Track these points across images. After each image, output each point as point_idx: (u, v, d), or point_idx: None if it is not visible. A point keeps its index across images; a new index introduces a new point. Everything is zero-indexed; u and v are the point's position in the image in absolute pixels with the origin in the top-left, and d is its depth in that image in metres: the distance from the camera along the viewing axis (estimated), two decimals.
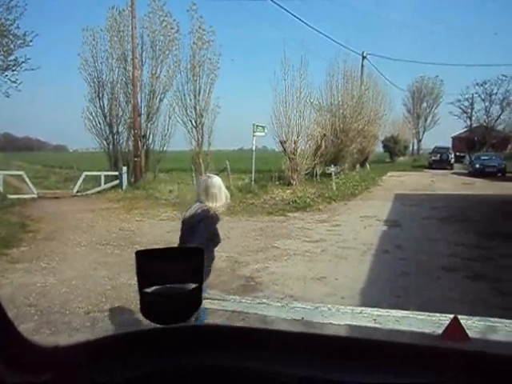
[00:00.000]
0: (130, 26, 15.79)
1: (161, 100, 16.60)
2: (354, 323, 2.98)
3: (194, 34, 15.80)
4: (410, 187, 18.44)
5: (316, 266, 6.46)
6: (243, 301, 4.22)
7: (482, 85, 45.80)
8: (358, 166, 24.40)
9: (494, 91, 45.54)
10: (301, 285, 5.52)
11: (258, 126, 14.35)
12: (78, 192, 15.04)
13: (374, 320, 2.53)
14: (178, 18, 16.72)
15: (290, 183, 14.87)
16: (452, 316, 2.17)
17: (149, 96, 16.42)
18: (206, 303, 3.12)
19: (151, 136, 16.78)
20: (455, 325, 2.17)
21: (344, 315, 3.05)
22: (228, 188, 13.65)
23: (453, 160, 32.41)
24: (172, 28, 16.36)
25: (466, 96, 48.02)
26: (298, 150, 15.10)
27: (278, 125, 14.96)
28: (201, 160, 14.89)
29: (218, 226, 3.39)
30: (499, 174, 24.19)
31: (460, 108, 49.26)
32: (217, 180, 3.45)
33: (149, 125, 16.56)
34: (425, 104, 57.93)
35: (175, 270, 0.95)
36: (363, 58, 24.45)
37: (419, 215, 11.41)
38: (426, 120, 58.82)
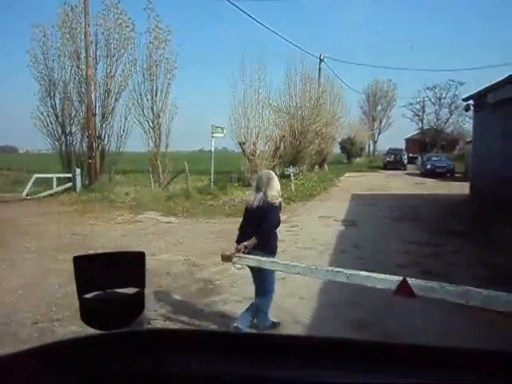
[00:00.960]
0: (83, 22, 15.25)
1: (116, 100, 16.12)
2: (330, 278, 3.58)
3: (150, 33, 15.48)
4: (366, 187, 18.97)
5: None
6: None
7: (432, 89, 48.02)
8: (316, 166, 24.81)
9: (443, 95, 47.85)
10: None
11: (216, 127, 14.25)
12: (27, 195, 14.29)
13: (347, 277, 3.16)
14: (133, 17, 16.32)
15: (250, 184, 14.86)
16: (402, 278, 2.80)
17: (104, 96, 15.89)
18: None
19: (106, 137, 16.24)
20: (404, 284, 2.77)
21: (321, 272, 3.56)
22: (186, 190, 13.36)
23: (406, 161, 33.72)
24: (127, 26, 15.94)
25: (418, 99, 50.18)
26: (257, 152, 15.17)
27: (237, 126, 14.96)
28: (158, 161, 14.59)
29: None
30: (448, 174, 25.40)
31: (412, 111, 51.40)
32: (274, 174, 4.13)
33: (104, 125, 16.03)
34: (380, 107, 59.97)
35: (116, 275, 0.93)
36: (320, 60, 24.92)
37: (375, 214, 11.75)
38: (380, 122, 60.89)
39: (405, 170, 32.08)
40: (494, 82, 10.97)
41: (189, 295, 5.25)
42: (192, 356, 0.76)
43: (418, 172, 28.75)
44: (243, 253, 3.69)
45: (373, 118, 59.53)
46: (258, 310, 4.02)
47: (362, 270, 6.16)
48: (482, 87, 12.06)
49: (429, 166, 26.29)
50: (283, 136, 16.62)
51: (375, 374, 0.73)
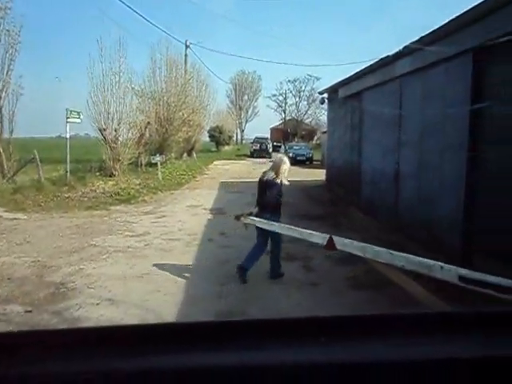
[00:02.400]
0: None
1: None
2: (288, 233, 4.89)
3: None
4: (235, 175, 19.39)
5: (139, 262, 6.09)
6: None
7: (292, 82, 51.44)
8: (185, 155, 24.46)
9: (302, 88, 51.67)
10: (121, 285, 5.10)
11: (72, 111, 12.85)
12: None
13: (300, 234, 4.45)
14: None
15: (113, 174, 13.90)
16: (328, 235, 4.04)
17: None
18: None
19: None
20: (331, 240, 4.00)
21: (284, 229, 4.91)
22: (38, 181, 11.76)
23: (271, 149, 35.52)
24: None
25: (281, 91, 53.26)
26: (120, 139, 14.20)
27: (96, 111, 13.74)
28: (1, 149, 12.60)
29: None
30: (307, 162, 27.56)
31: (276, 102, 54.42)
32: (287, 160, 5.57)
33: None
34: (246, 97, 61.97)
35: None
36: (186, 46, 24.45)
37: (242, 201, 12.00)
38: (247, 112, 63.07)
39: (270, 157, 33.75)
40: (342, 79, 12.06)
41: (36, 303, 4.57)
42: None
43: None
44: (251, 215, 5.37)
45: (240, 107, 61.27)
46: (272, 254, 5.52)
47: (227, 258, 6.24)
48: (334, 82, 13.19)
49: (291, 154, 28.05)
50: (148, 123, 15.87)
51: (355, 347, 0.74)
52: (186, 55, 24.15)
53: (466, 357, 0.72)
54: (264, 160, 31.27)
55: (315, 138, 51.64)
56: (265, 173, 5.50)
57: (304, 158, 27.82)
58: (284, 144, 42.81)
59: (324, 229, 8.72)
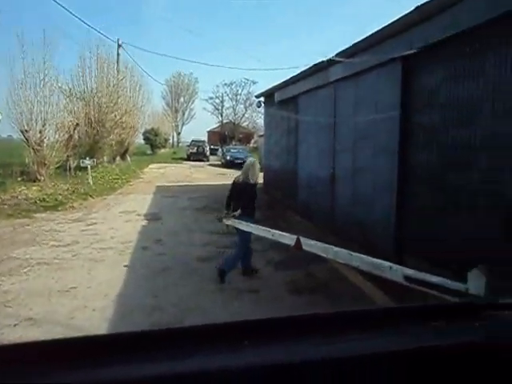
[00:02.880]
0: None
1: None
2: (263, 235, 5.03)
3: None
4: (171, 179, 18.90)
5: (66, 274, 5.62)
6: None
7: (229, 85, 51.46)
8: (118, 158, 23.42)
9: (239, 92, 51.89)
10: (43, 302, 4.64)
11: None
12: None
13: (272, 235, 4.70)
14: None
15: (37, 179, 12.88)
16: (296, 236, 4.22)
17: None
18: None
19: None
20: (298, 241, 4.13)
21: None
22: None
23: (208, 152, 35.16)
24: None
25: (217, 94, 53.07)
26: (46, 141, 13.19)
27: (17, 111, 12.65)
28: None
29: None
30: None
31: (213, 105, 54.10)
32: (257, 163, 5.87)
33: None
34: (182, 99, 60.97)
35: None
36: (118, 45, 23.46)
37: (178, 206, 11.70)
38: (184, 114, 62.06)
39: (207, 161, 33.42)
40: (279, 83, 12.19)
41: None
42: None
43: (220, 163, 30.35)
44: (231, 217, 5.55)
45: (176, 109, 60.16)
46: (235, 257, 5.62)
47: (162, 267, 5.96)
48: (271, 86, 13.30)
49: (229, 158, 28.05)
50: (77, 124, 14.93)
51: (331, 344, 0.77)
52: (118, 54, 23.17)
53: (397, 349, 0.76)
54: (202, 163, 30.90)
55: (252, 141, 52.03)
56: (238, 177, 5.77)
57: (242, 161, 27.76)
58: (221, 147, 42.68)
59: None
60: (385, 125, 6.37)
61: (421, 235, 5.53)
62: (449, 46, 5.00)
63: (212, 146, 41.18)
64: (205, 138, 49.50)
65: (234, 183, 5.74)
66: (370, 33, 6.36)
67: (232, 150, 30.00)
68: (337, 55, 7.74)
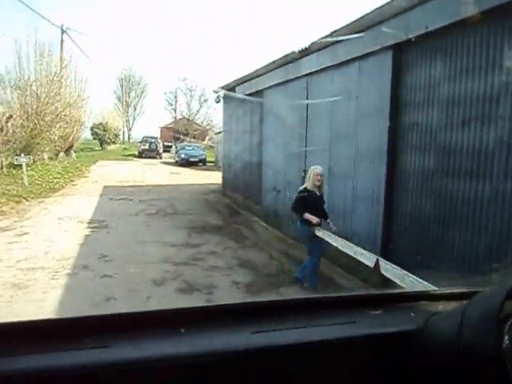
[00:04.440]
0: None
1: None
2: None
3: None
4: (120, 178, 17.34)
5: None
6: None
7: (183, 80, 49.68)
8: (61, 154, 21.43)
9: (194, 87, 50.24)
10: None
11: None
12: None
13: (352, 249, 4.78)
14: None
15: None
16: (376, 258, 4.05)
17: None
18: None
19: None
20: (377, 263, 3.99)
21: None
22: None
23: (162, 149, 33.45)
24: None
25: (171, 89, 51.12)
26: None
27: None
28: None
29: None
30: (200, 164, 26.32)
31: (166, 100, 52.05)
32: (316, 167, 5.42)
33: None
34: (134, 93, 58.29)
35: None
36: (63, 31, 21.45)
37: (129, 211, 10.41)
38: (135, 109, 59.38)
39: (160, 158, 31.71)
40: (241, 76, 11.21)
41: None
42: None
43: (173, 161, 28.84)
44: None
45: (127, 103, 57.43)
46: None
47: (107, 293, 4.82)
48: (231, 80, 12.29)
49: (183, 156, 26.60)
50: (10, 116, 13.11)
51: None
52: (62, 41, 21.19)
53: (333, 338, 0.80)
54: (155, 161, 29.21)
55: (207, 138, 50.57)
56: (306, 187, 5.31)
57: (197, 160, 26.51)
58: (175, 144, 41.03)
59: (228, 244, 7.73)
60: (370, 124, 5.57)
61: (414, 250, 4.78)
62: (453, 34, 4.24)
63: (165, 143, 39.40)
64: (158, 134, 47.41)
65: (308, 191, 5.22)
66: (353, 19, 5.54)
67: (187, 148, 28.53)
68: (312, 45, 6.88)
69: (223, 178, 14.32)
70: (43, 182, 13.59)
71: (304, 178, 7.61)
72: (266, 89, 9.50)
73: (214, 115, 48.90)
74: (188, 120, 50.77)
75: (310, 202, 5.15)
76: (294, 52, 7.55)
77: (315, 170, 5.20)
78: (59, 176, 15.34)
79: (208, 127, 51.33)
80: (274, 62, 8.56)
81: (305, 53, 7.20)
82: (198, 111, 51.21)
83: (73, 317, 0.73)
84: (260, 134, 9.98)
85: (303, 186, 5.33)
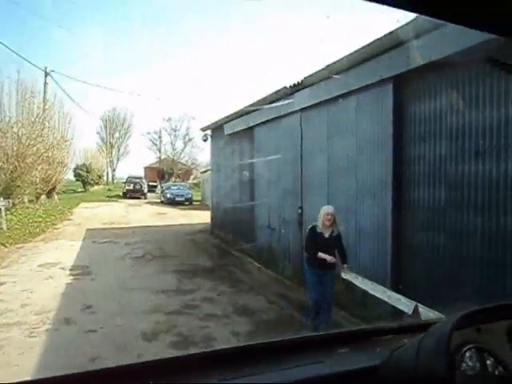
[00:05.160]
0: None
1: None
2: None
3: None
4: (104, 220, 16.74)
5: None
6: None
7: (167, 120, 49.85)
8: (43, 197, 20.74)
9: (178, 127, 50.41)
10: None
11: None
12: None
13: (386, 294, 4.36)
14: None
15: None
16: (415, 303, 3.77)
17: None
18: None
19: None
20: (416, 309, 3.75)
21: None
22: None
23: (146, 189, 32.93)
24: None
25: (155, 130, 51.17)
26: None
27: None
28: None
29: None
30: (187, 203, 25.85)
31: (150, 140, 51.97)
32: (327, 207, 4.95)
33: None
34: (117, 134, 58.21)
35: None
36: (46, 74, 21.30)
37: (114, 255, 9.84)
38: (119, 149, 59.11)
39: (145, 198, 31.13)
40: (229, 113, 11.06)
41: None
42: None
43: (159, 201, 28.30)
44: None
45: (111, 144, 57.19)
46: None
47: (93, 352, 4.28)
48: (219, 118, 12.14)
49: (169, 195, 26.15)
50: None
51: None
52: (45, 83, 20.98)
53: (305, 377, 0.83)
54: (140, 201, 28.62)
55: (191, 177, 50.30)
56: (315, 227, 4.83)
57: (183, 199, 26.04)
58: (160, 184, 40.55)
59: (221, 288, 7.23)
60: (373, 157, 5.33)
61: (428, 287, 4.41)
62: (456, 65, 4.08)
63: (150, 183, 38.91)
64: (142, 173, 46.95)
65: (315, 231, 4.79)
66: (350, 51, 5.41)
67: (172, 188, 28.12)
68: (305, 79, 6.74)
69: (212, 216, 13.90)
70: (23, 227, 12.92)
71: (301, 215, 7.30)
72: (256, 125, 9.31)
73: (198, 154, 48.89)
74: (172, 160, 50.60)
75: (319, 242, 4.76)
76: (285, 87, 7.41)
77: (325, 209, 4.80)
78: (40, 220, 14.67)
79: (193, 166, 51.20)
80: (264, 98, 8.41)
81: (297, 88, 7.05)
82: (182, 150, 51.17)
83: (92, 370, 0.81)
84: (251, 171, 9.70)
85: (313, 224, 4.93)
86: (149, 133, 51.25)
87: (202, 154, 47.96)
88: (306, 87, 6.86)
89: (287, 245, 7.83)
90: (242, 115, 10.11)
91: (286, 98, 7.71)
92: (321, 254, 4.65)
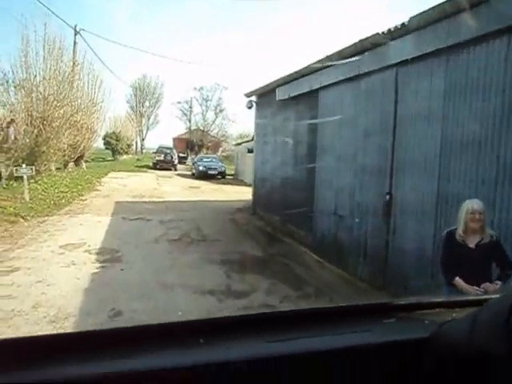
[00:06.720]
0: None
1: None
2: None
3: None
4: (134, 192, 15.49)
5: None
6: None
7: (199, 90, 48.09)
8: (71, 164, 19.72)
9: (210, 97, 48.61)
10: None
11: None
12: None
13: None
14: None
15: None
16: None
17: None
18: None
19: None
20: None
21: None
22: None
23: (177, 161, 31.65)
24: None
25: (186, 99, 49.56)
26: None
27: None
28: None
29: None
30: (219, 177, 24.42)
31: (180, 110, 50.48)
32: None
33: None
34: (147, 103, 57.03)
35: None
36: (76, 32, 19.89)
37: (146, 236, 8.46)
38: (149, 119, 58.08)
39: (175, 170, 29.87)
40: (284, 75, 9.35)
41: None
42: None
43: (189, 173, 27.00)
44: None
45: (141, 113, 56.15)
46: None
47: None
48: (269, 82, 10.45)
49: (201, 168, 24.67)
50: (12, 120, 11.35)
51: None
52: (74, 43, 19.60)
53: (351, 345, 0.79)
54: (170, 173, 27.39)
55: (220, 149, 48.83)
56: (453, 232, 3.20)
57: (216, 172, 24.56)
58: (191, 155, 39.32)
59: (283, 290, 5.72)
60: None
61: None
62: None
63: (179, 154, 37.68)
64: (170, 144, 45.77)
65: (454, 239, 3.17)
66: None
67: (205, 160, 26.61)
68: (412, 20, 4.94)
69: (254, 194, 12.35)
70: (47, 197, 11.74)
71: (388, 204, 5.64)
72: (322, 88, 7.57)
73: (230, 126, 47.20)
74: (203, 131, 49.11)
75: (460, 255, 3.11)
76: (377, 34, 5.62)
77: (469, 205, 3.09)
78: (66, 190, 13.50)
79: (222, 138, 49.67)
80: (340, 51, 6.64)
81: (398, 33, 5.27)
82: (213, 122, 49.51)
83: (95, 329, 0.75)
84: (312, 144, 8.03)
85: (450, 229, 3.26)
86: (179, 102, 49.73)
87: (232, 126, 46.35)
88: (410, 32, 5.07)
89: (363, 238, 6.22)
90: (302, 76, 8.37)
91: (370, 52, 5.96)
92: (459, 282, 3.03)
